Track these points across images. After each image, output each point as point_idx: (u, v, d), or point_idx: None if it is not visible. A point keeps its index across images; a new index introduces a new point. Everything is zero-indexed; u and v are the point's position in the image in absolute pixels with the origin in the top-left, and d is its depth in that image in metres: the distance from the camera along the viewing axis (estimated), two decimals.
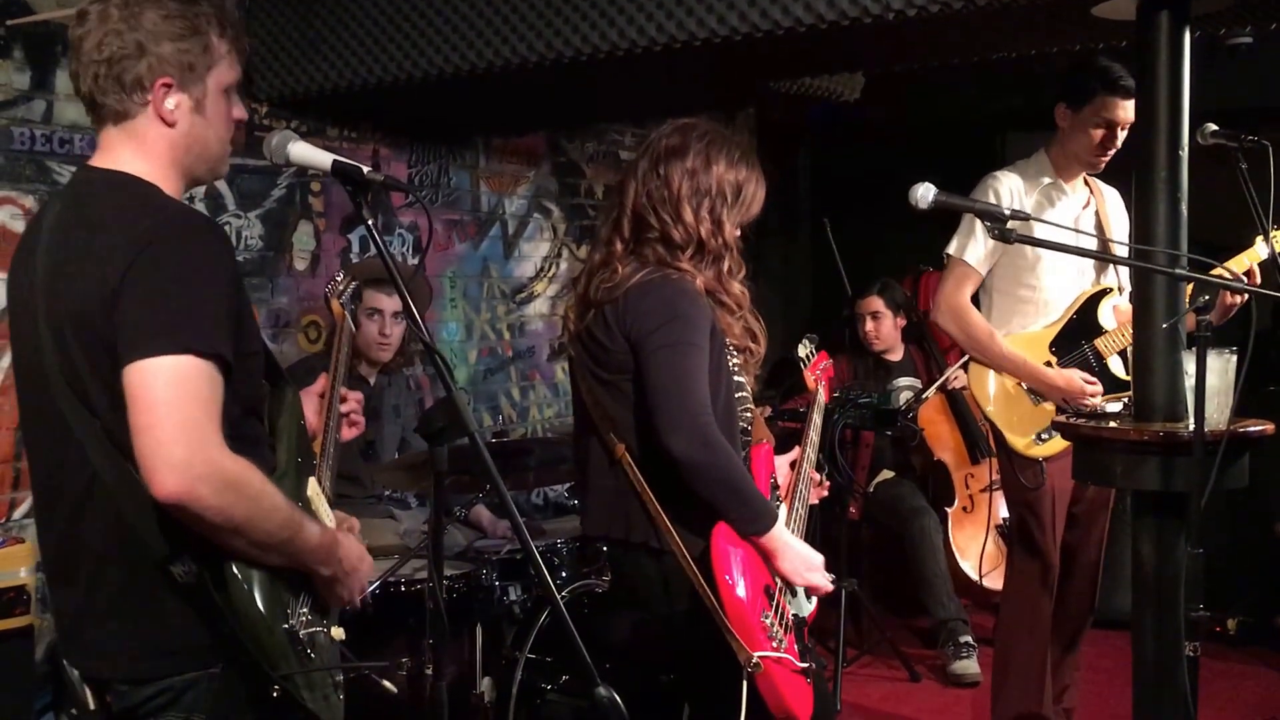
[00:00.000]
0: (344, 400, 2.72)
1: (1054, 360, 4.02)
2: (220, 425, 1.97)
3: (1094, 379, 3.92)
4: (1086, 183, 4.11)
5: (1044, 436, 3.98)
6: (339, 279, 3.13)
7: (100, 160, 2.16)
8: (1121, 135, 3.92)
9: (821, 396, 3.55)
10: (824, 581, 2.91)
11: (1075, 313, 4.04)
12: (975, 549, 5.45)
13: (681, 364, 2.71)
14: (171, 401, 1.92)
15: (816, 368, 3.64)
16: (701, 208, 2.84)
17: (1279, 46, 5.06)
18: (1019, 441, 4.03)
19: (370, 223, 2.15)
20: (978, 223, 3.96)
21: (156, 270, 1.97)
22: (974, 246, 4.02)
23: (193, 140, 2.16)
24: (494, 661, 3.81)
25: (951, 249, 4.08)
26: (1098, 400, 3.88)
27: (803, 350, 3.63)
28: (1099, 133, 3.93)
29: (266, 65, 4.54)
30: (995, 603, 5.55)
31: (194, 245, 2.03)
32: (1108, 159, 4.00)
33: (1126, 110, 3.85)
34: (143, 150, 2.13)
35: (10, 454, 4.08)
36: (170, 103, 2.12)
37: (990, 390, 4.09)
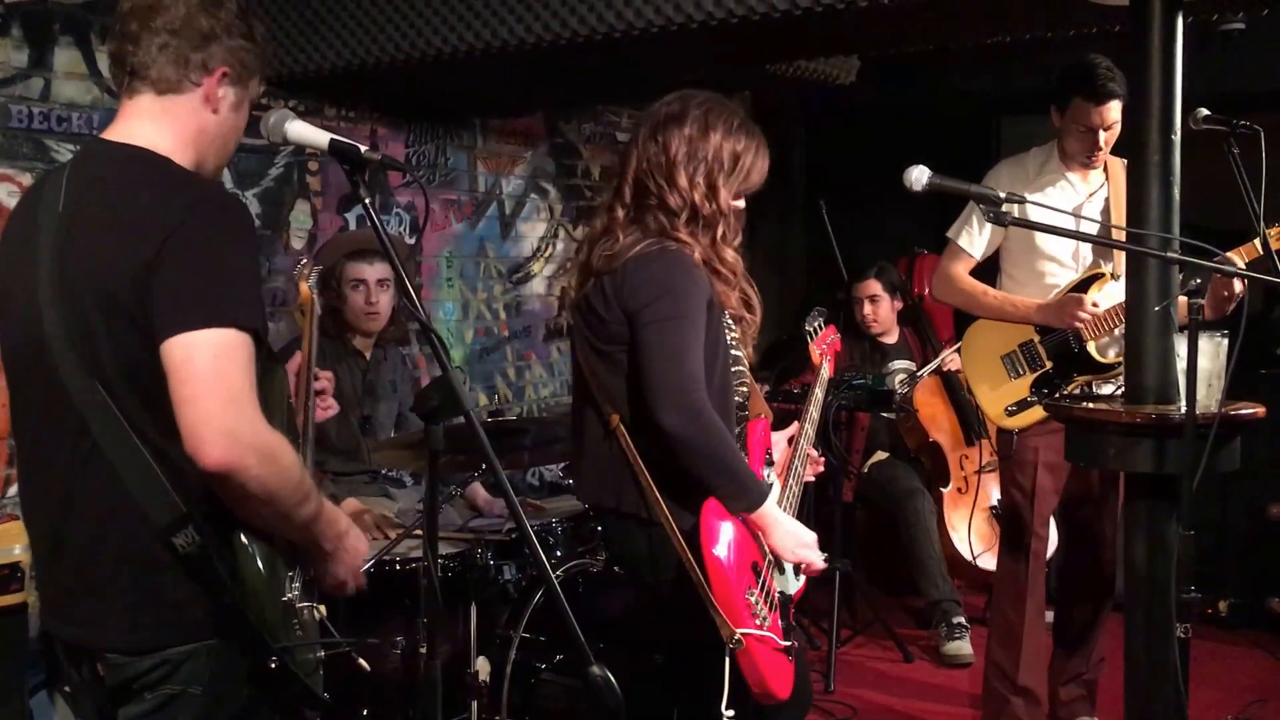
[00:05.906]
0: (317, 379, 2.75)
1: (1036, 339, 4.12)
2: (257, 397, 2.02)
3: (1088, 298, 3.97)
4: (1105, 169, 4.14)
5: (1011, 409, 4.11)
6: (304, 262, 3.14)
7: (115, 134, 2.17)
8: (1105, 135, 3.98)
9: (826, 371, 3.54)
10: (816, 558, 2.91)
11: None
12: (968, 529, 5.48)
13: (675, 338, 2.72)
14: (217, 372, 1.96)
15: (823, 342, 3.63)
16: (697, 173, 2.85)
17: (1270, 32, 5.06)
18: (991, 411, 4.19)
19: (368, 202, 2.16)
20: (976, 210, 4.04)
21: (194, 245, 2.00)
22: (969, 232, 4.19)
23: (221, 131, 2.23)
24: (488, 640, 3.83)
25: (950, 231, 4.25)
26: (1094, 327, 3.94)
27: (810, 324, 3.63)
28: (1082, 135, 4.00)
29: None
30: (989, 583, 5.60)
31: (227, 220, 2.07)
32: (1098, 157, 4.07)
33: (1103, 115, 3.93)
34: (169, 124, 2.16)
35: (5, 430, 4.08)
36: (221, 91, 2.19)
37: (973, 361, 4.27)
